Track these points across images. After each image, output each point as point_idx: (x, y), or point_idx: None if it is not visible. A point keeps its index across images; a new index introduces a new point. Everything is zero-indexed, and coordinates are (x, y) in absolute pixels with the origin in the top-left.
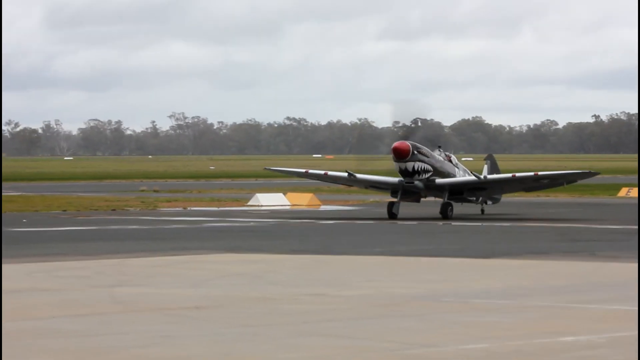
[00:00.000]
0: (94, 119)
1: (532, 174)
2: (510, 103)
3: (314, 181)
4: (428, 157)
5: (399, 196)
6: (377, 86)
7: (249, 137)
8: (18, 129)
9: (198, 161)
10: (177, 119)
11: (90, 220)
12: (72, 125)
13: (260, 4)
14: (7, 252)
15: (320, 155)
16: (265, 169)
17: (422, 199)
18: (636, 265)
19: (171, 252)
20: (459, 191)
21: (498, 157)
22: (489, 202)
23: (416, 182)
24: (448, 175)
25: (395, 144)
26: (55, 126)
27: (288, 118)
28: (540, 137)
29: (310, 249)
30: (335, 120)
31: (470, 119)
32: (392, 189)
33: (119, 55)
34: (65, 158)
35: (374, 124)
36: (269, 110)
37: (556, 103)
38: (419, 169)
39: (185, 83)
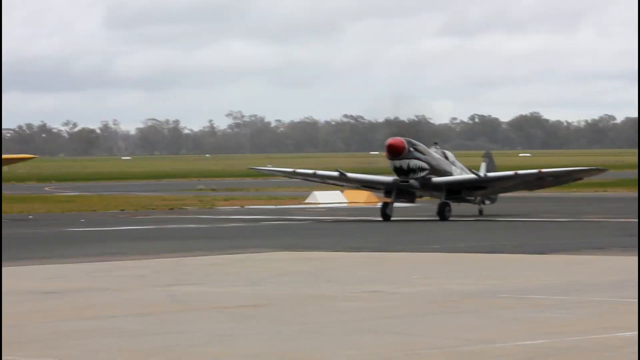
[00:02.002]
0: (151, 119)
1: (535, 171)
2: (569, 98)
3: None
4: (424, 154)
5: (393, 196)
6: (436, 83)
7: (306, 135)
8: (76, 129)
9: (255, 159)
10: (234, 118)
11: (148, 219)
12: (130, 125)
13: (319, 3)
14: (66, 251)
15: (377, 153)
16: (249, 169)
17: (418, 200)
18: None
19: (229, 251)
20: (457, 190)
21: (556, 153)
22: (487, 202)
23: (411, 181)
24: (445, 173)
25: (389, 140)
26: (113, 126)
27: (345, 116)
28: (598, 132)
29: (368, 246)
30: (392, 118)
31: (528, 114)
32: (386, 188)
33: (177, 55)
34: (123, 158)
35: (431, 121)
36: (327, 108)
37: (615, 98)
38: (415, 167)
39: (243, 82)
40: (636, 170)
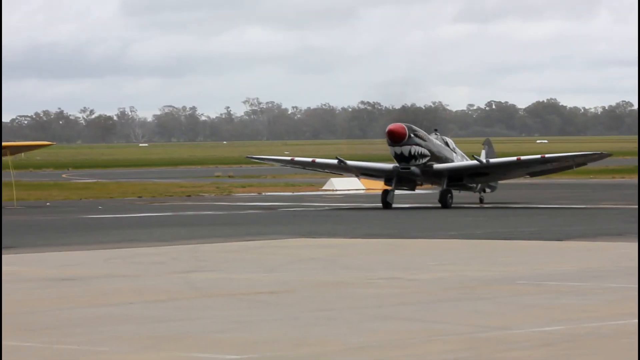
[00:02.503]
0: (168, 106)
1: (538, 156)
2: (586, 85)
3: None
4: (425, 140)
5: (393, 184)
6: (453, 69)
7: (324, 122)
8: (93, 116)
9: (272, 146)
10: (251, 105)
11: (166, 206)
12: (147, 112)
13: None
14: (83, 238)
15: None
16: (247, 157)
17: (418, 187)
18: None
19: (246, 238)
20: (459, 177)
21: (573, 139)
22: (487, 190)
23: (412, 168)
24: (446, 160)
25: (390, 126)
26: (130, 113)
27: (362, 102)
28: (616, 119)
29: (385, 233)
30: (409, 104)
31: (545, 101)
32: (386, 176)
33: (194, 41)
34: (140, 145)
35: (448, 107)
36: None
37: (632, 84)
38: (416, 154)
39: (260, 68)
40: None
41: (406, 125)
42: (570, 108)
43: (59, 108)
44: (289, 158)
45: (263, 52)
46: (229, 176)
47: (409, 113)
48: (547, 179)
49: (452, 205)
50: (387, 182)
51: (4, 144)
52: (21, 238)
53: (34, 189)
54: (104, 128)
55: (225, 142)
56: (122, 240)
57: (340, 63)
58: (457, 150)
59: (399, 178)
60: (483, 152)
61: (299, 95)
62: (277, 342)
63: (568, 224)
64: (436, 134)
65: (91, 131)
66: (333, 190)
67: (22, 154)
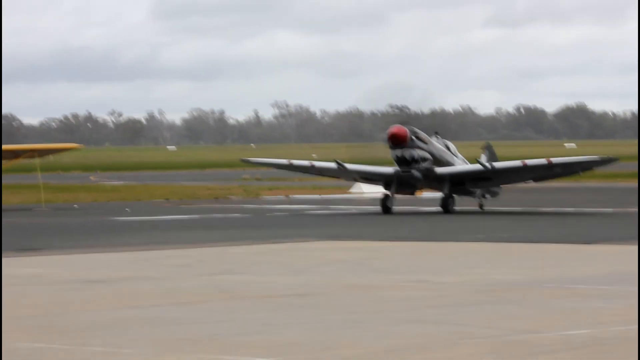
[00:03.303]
0: (197, 109)
1: (544, 160)
2: (615, 89)
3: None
4: (427, 143)
5: (393, 188)
6: (482, 73)
7: (352, 126)
8: (122, 119)
9: (300, 150)
10: (279, 108)
11: (193, 208)
12: (175, 115)
13: None
14: (111, 240)
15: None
16: (242, 160)
17: (418, 192)
18: None
19: (273, 240)
20: (461, 182)
21: (601, 144)
22: (487, 196)
23: (414, 172)
24: (447, 164)
25: (392, 129)
26: (158, 116)
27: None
28: None
29: (412, 236)
30: (437, 108)
31: (574, 105)
32: (386, 180)
33: (223, 45)
34: (169, 147)
35: (477, 111)
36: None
37: None
38: (417, 157)
39: (288, 72)
40: None
41: (408, 128)
42: (598, 112)
43: (88, 111)
44: (287, 162)
45: (292, 55)
46: (256, 179)
47: (438, 117)
48: (576, 182)
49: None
50: (386, 187)
51: (32, 146)
52: (49, 240)
53: (61, 192)
54: (133, 131)
55: (253, 145)
56: (150, 243)
57: (370, 67)
58: (458, 154)
59: (399, 182)
60: (483, 157)
61: (327, 99)
62: (305, 345)
63: (595, 228)
64: (437, 137)
65: (119, 134)
66: (361, 192)
67: (51, 156)
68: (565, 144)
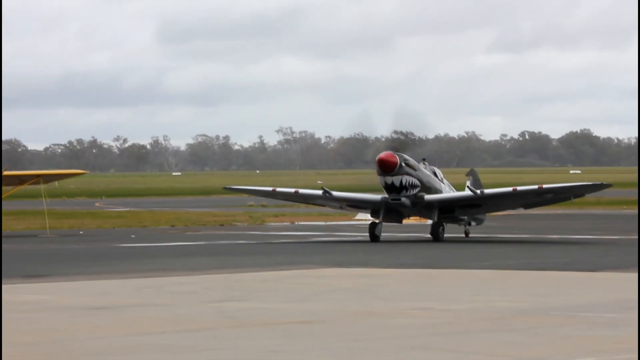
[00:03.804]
0: (202, 134)
1: (535, 187)
2: (620, 115)
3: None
4: (416, 170)
5: (381, 215)
6: (487, 99)
7: (356, 151)
8: (127, 145)
9: (305, 176)
10: (284, 134)
11: (199, 235)
12: (180, 141)
13: (371, 18)
14: (116, 267)
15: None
16: (224, 188)
17: (405, 220)
18: None
19: (279, 267)
20: (450, 209)
21: (606, 170)
22: (473, 223)
23: (403, 199)
24: (435, 191)
25: (381, 155)
26: (163, 142)
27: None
28: None
29: (417, 263)
30: (442, 134)
31: (579, 131)
32: (373, 207)
33: (228, 70)
34: (174, 173)
35: (481, 137)
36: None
37: None
38: (407, 184)
39: (293, 97)
40: None
41: (397, 154)
42: (603, 138)
43: (93, 137)
44: (271, 189)
45: (297, 81)
46: (262, 205)
47: (443, 143)
48: (580, 208)
49: (445, 238)
50: (373, 214)
51: (38, 172)
52: (54, 266)
53: (67, 218)
54: (137, 157)
55: (258, 172)
56: (155, 269)
57: (375, 92)
58: (445, 180)
59: (387, 210)
60: (468, 183)
61: (332, 124)
62: None
63: (601, 255)
64: (424, 164)
65: (124, 160)
66: (366, 220)
67: (56, 182)
68: (571, 171)
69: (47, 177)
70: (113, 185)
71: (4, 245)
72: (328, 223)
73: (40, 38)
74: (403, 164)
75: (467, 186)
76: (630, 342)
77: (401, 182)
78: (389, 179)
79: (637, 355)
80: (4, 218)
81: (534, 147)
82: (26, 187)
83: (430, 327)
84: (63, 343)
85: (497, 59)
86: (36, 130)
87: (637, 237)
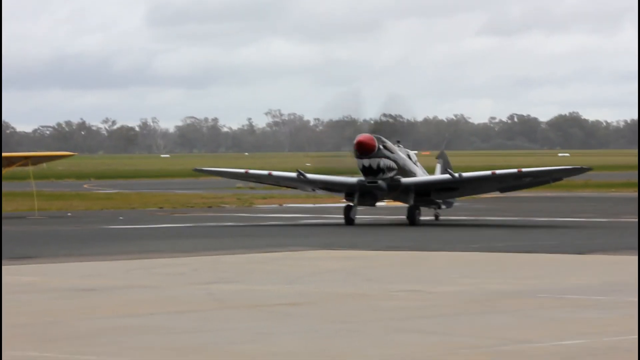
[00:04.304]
0: (190, 117)
1: (514, 170)
2: (609, 98)
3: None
4: (393, 152)
5: (356, 199)
6: (476, 82)
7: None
8: (115, 127)
9: (294, 158)
10: (273, 116)
11: (187, 217)
12: (168, 123)
13: (361, 1)
14: (105, 249)
15: (416, 152)
16: (194, 170)
17: (378, 203)
18: None
19: (267, 249)
20: (426, 192)
21: (595, 153)
22: (443, 207)
23: (380, 182)
24: (410, 173)
25: (359, 137)
26: (152, 124)
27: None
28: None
29: (406, 245)
30: (431, 117)
31: (567, 114)
32: (348, 190)
33: (217, 53)
34: (162, 155)
35: (470, 120)
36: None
37: None
38: (384, 167)
39: (282, 80)
40: None
41: (375, 137)
42: (592, 121)
43: (81, 119)
44: (243, 171)
45: (286, 64)
46: (250, 187)
47: (431, 126)
48: (568, 191)
49: (421, 222)
50: (347, 197)
51: (26, 154)
52: (42, 248)
53: (55, 199)
54: (126, 139)
55: (247, 154)
56: (143, 251)
57: (364, 76)
58: (418, 163)
59: (363, 193)
60: (438, 166)
61: (321, 107)
62: (298, 354)
63: (589, 238)
64: (399, 146)
65: (113, 142)
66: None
67: (44, 164)
68: (559, 154)
69: (36, 158)
70: (101, 167)
71: None
72: (317, 205)
73: (31, 20)
74: (381, 147)
75: (447, 169)
76: (619, 325)
77: (379, 164)
78: (367, 162)
79: (628, 337)
80: None
81: (522, 130)
82: (14, 169)
83: (420, 310)
84: (52, 325)
85: (487, 43)
86: (25, 112)
87: (627, 219)
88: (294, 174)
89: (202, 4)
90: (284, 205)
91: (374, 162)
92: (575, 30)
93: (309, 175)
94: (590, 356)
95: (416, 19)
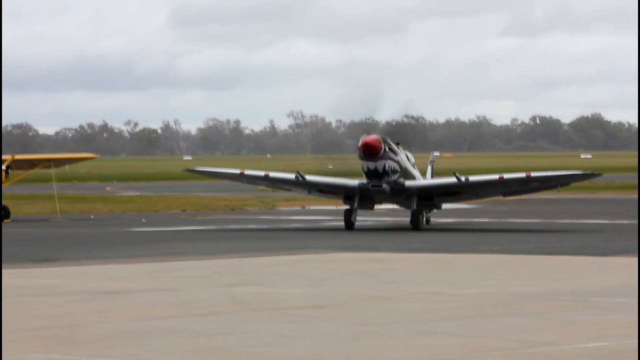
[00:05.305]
0: (212, 119)
1: (522, 175)
2: (631, 100)
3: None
4: (396, 154)
5: (356, 202)
6: (499, 83)
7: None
8: (137, 129)
9: (316, 160)
10: (295, 118)
11: (209, 220)
12: (191, 125)
13: (383, 2)
14: (127, 251)
15: (438, 153)
16: (185, 170)
17: (376, 206)
18: None
19: (289, 252)
20: (429, 196)
21: (617, 155)
22: (434, 210)
23: (384, 186)
24: (411, 176)
25: (365, 138)
26: (174, 126)
27: (406, 116)
28: None
29: (428, 247)
30: (453, 118)
31: (590, 115)
32: (347, 193)
33: (240, 54)
34: (184, 158)
35: (492, 122)
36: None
37: None
38: (389, 169)
39: (305, 82)
40: None
41: (382, 138)
42: (614, 123)
43: (104, 121)
44: (238, 171)
45: (309, 65)
46: (273, 190)
47: (453, 127)
48: (591, 193)
49: (425, 226)
50: (347, 200)
51: (49, 156)
52: (65, 251)
53: (78, 202)
54: (148, 141)
55: (269, 156)
56: (166, 254)
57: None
58: (415, 166)
59: (363, 196)
60: (429, 169)
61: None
62: (321, 357)
63: (611, 240)
64: (399, 148)
65: (135, 144)
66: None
67: (67, 166)
68: (582, 155)
69: (58, 161)
70: (124, 169)
71: (14, 229)
72: (339, 207)
73: (53, 22)
74: (387, 149)
75: (454, 173)
76: None
77: (384, 167)
78: (372, 165)
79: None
80: (14, 202)
81: (544, 132)
82: (37, 171)
83: (441, 312)
84: (74, 327)
85: (509, 43)
86: (47, 114)
87: None
88: (292, 176)
89: (224, 5)
90: (307, 207)
91: (379, 164)
92: (598, 30)
93: (308, 177)
94: (613, 359)
95: (438, 20)
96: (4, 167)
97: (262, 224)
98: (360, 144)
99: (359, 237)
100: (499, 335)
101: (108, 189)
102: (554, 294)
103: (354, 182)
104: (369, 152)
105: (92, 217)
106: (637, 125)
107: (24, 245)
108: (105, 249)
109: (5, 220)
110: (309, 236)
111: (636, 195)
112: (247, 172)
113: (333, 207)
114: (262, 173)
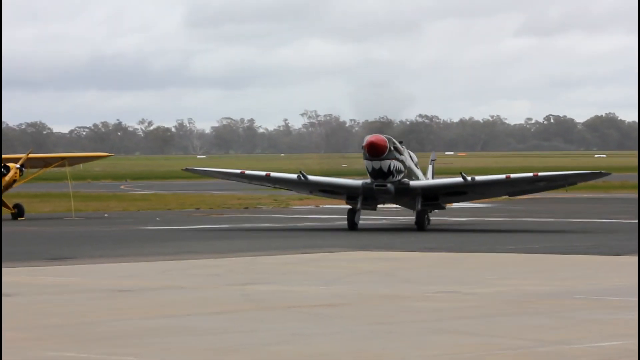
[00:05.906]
0: (226, 117)
1: (530, 175)
2: None
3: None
4: (401, 153)
5: (359, 202)
6: (514, 83)
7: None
8: (151, 128)
9: (330, 159)
10: (309, 117)
11: (223, 218)
12: (205, 124)
13: (398, 2)
14: (141, 250)
15: (452, 153)
16: (184, 169)
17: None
18: None
19: (303, 250)
20: (434, 196)
21: (631, 154)
22: (435, 210)
23: (389, 186)
24: (415, 176)
25: (370, 137)
26: (188, 125)
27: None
28: None
29: (443, 246)
30: (467, 118)
31: (604, 115)
32: (350, 193)
33: (254, 53)
34: (198, 156)
35: (506, 121)
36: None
37: None
38: (394, 169)
39: (319, 81)
40: None
41: (387, 138)
42: (629, 122)
43: (118, 119)
44: (239, 171)
45: (323, 64)
46: (287, 188)
47: (467, 126)
48: (605, 192)
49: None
50: (349, 201)
51: (63, 154)
52: (79, 249)
53: (92, 200)
54: (162, 140)
55: (283, 155)
56: (180, 252)
57: (402, 76)
58: (418, 166)
59: (366, 196)
60: (430, 168)
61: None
62: (335, 355)
63: (626, 239)
64: (403, 147)
65: (149, 143)
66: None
67: (81, 165)
68: (596, 155)
69: (73, 159)
70: (138, 168)
71: (29, 228)
72: None
73: (68, 21)
74: (392, 148)
75: (461, 173)
76: None
77: (389, 167)
78: (377, 164)
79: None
80: (29, 200)
81: (558, 131)
82: (51, 170)
83: (456, 311)
84: (88, 325)
85: (524, 43)
86: (62, 113)
87: None
88: (294, 176)
89: (239, 5)
90: (321, 206)
91: (384, 164)
92: (613, 30)
93: (311, 177)
94: (627, 358)
95: (454, 20)
96: (17, 165)
97: (275, 223)
98: (365, 143)
99: (372, 236)
100: (513, 334)
101: (122, 187)
102: (568, 293)
103: (357, 182)
104: (374, 151)
105: (106, 215)
106: None
107: (38, 243)
108: (119, 247)
109: (19, 219)
110: (323, 235)
111: None
112: (248, 172)
113: (347, 207)
114: (263, 173)
